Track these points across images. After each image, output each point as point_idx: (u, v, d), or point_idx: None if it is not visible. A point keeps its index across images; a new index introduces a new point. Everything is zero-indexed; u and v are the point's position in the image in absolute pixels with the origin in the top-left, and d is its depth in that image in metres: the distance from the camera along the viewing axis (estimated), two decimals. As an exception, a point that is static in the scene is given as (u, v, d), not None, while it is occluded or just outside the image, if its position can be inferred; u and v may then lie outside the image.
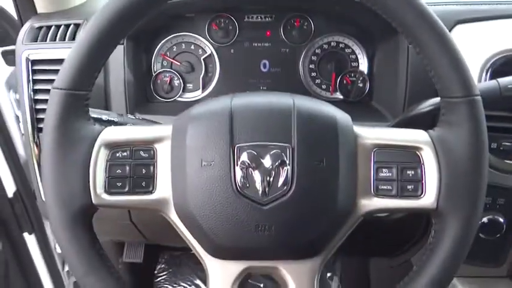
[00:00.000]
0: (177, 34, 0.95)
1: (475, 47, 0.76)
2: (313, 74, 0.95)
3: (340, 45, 0.94)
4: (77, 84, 0.51)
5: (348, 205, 0.51)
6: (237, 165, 0.50)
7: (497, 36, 0.77)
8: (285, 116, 0.52)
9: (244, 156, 0.50)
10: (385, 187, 0.52)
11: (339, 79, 0.94)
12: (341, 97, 0.95)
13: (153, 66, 0.96)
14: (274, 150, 0.50)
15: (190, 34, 0.95)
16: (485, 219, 0.75)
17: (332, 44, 0.95)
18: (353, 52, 0.94)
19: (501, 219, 0.75)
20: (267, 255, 0.52)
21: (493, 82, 0.63)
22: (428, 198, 0.51)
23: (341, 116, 0.54)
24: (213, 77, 0.96)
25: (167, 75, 0.96)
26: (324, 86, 0.96)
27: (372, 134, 0.54)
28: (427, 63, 0.51)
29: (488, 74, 0.75)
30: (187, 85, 0.97)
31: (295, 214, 0.50)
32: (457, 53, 0.50)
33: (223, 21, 0.95)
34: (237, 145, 0.50)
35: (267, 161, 0.50)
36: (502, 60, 0.74)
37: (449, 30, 0.77)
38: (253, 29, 0.95)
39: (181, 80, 0.96)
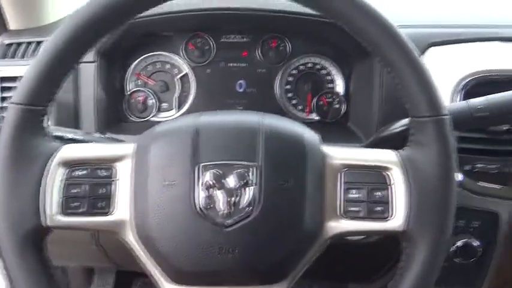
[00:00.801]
0: (153, 53, 0.94)
1: (447, 69, 0.76)
2: (290, 94, 0.95)
3: (317, 66, 0.94)
4: (34, 100, 0.49)
5: (314, 227, 0.49)
6: (200, 185, 0.48)
7: (470, 59, 0.78)
8: (251, 135, 0.50)
9: (207, 176, 0.48)
10: (353, 209, 0.50)
11: (315, 100, 0.94)
12: (318, 118, 0.94)
13: (127, 85, 0.94)
14: (239, 170, 0.48)
15: (166, 53, 0.94)
16: (460, 243, 0.73)
17: (308, 65, 0.94)
18: (329, 73, 0.94)
19: (476, 243, 0.73)
20: (231, 280, 0.50)
21: (464, 103, 0.63)
22: (397, 220, 0.50)
23: (309, 135, 0.52)
24: (188, 97, 0.95)
25: (141, 94, 0.94)
26: (300, 107, 0.95)
27: (340, 154, 0.52)
28: (397, 82, 0.51)
29: (461, 95, 0.75)
30: (162, 104, 0.95)
31: (260, 236, 0.48)
32: (424, 73, 0.49)
33: (199, 41, 0.94)
34: (201, 164, 0.49)
35: (231, 181, 0.48)
36: (474, 82, 0.75)
37: (423, 53, 0.77)
38: (230, 49, 0.94)
39: (155, 100, 0.94)
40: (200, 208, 0.47)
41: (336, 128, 0.92)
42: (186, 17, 0.85)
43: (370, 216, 0.50)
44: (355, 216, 0.50)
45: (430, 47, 0.80)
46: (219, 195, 0.48)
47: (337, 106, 0.93)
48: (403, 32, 0.50)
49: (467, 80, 0.75)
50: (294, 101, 0.95)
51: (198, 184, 0.48)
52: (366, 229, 0.51)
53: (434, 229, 0.48)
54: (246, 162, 0.49)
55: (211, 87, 0.95)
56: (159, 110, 0.95)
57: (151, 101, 0.94)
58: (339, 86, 0.94)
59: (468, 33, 0.80)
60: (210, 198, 0.48)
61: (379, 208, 0.50)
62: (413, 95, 0.50)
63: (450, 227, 0.49)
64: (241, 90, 0.95)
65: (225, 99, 0.95)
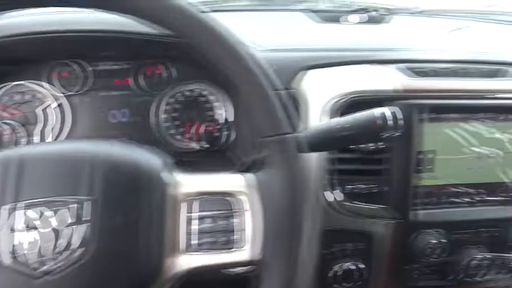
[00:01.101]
0: (18, 82, 0.85)
1: (322, 91, 0.76)
2: (172, 123, 0.90)
3: (201, 92, 0.91)
4: None
5: (152, 266, 0.43)
6: (13, 228, 0.41)
7: (342, 81, 0.78)
8: (78, 166, 0.44)
9: (24, 217, 0.41)
10: (199, 241, 0.45)
11: (202, 128, 0.90)
12: (203, 146, 0.90)
13: None
14: (62, 207, 0.42)
15: (34, 82, 0.85)
16: (338, 267, 0.71)
17: (192, 92, 0.91)
18: (214, 100, 0.91)
19: (356, 266, 0.71)
20: None
21: (329, 122, 0.62)
22: (248, 250, 0.45)
23: (149, 163, 0.47)
24: (63, 129, 0.86)
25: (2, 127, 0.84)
26: (184, 136, 0.90)
27: (187, 182, 0.48)
28: (244, 103, 0.48)
29: (336, 116, 0.75)
30: (33, 138, 0.86)
31: (89, 282, 0.41)
32: (266, 93, 0.47)
33: (74, 68, 0.87)
34: (16, 203, 0.41)
35: (53, 221, 0.41)
36: (348, 103, 0.75)
37: (294, 76, 0.76)
38: (108, 77, 0.88)
39: (21, 133, 0.84)
40: (13, 257, 0.40)
41: (219, 156, 0.88)
42: (47, 40, 0.77)
43: (219, 247, 0.45)
44: (200, 250, 0.45)
45: (306, 69, 0.80)
46: (36, 239, 0.41)
47: (221, 133, 0.90)
48: (252, 54, 0.47)
49: (340, 101, 0.75)
50: (177, 130, 0.90)
51: (11, 228, 0.41)
52: (215, 263, 0.46)
53: (286, 255, 0.45)
54: (70, 198, 0.42)
55: (89, 118, 0.88)
56: (28, 144, 0.85)
57: (14, 135, 0.84)
58: (224, 113, 0.91)
59: (340, 57, 0.81)
60: (24, 243, 0.40)
61: (228, 238, 0.46)
62: (258, 115, 0.47)
63: (302, 251, 0.45)
64: (123, 119, 0.89)
65: (104, 130, 0.88)
